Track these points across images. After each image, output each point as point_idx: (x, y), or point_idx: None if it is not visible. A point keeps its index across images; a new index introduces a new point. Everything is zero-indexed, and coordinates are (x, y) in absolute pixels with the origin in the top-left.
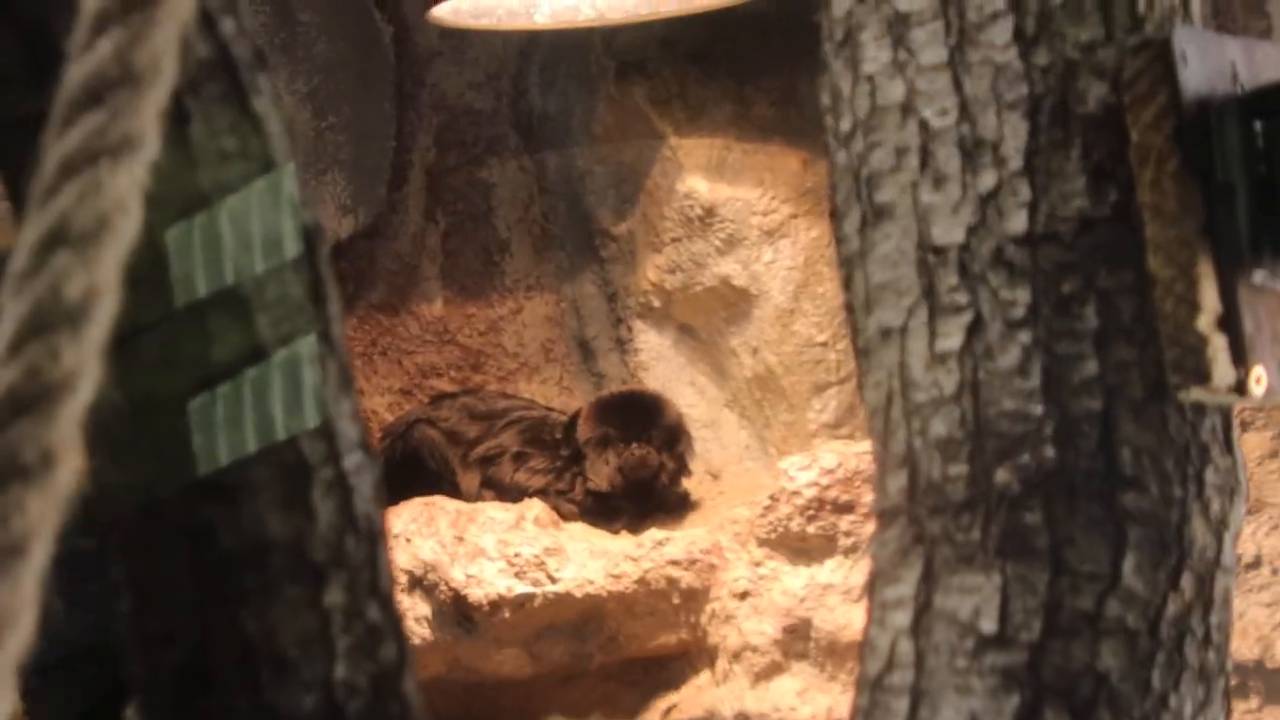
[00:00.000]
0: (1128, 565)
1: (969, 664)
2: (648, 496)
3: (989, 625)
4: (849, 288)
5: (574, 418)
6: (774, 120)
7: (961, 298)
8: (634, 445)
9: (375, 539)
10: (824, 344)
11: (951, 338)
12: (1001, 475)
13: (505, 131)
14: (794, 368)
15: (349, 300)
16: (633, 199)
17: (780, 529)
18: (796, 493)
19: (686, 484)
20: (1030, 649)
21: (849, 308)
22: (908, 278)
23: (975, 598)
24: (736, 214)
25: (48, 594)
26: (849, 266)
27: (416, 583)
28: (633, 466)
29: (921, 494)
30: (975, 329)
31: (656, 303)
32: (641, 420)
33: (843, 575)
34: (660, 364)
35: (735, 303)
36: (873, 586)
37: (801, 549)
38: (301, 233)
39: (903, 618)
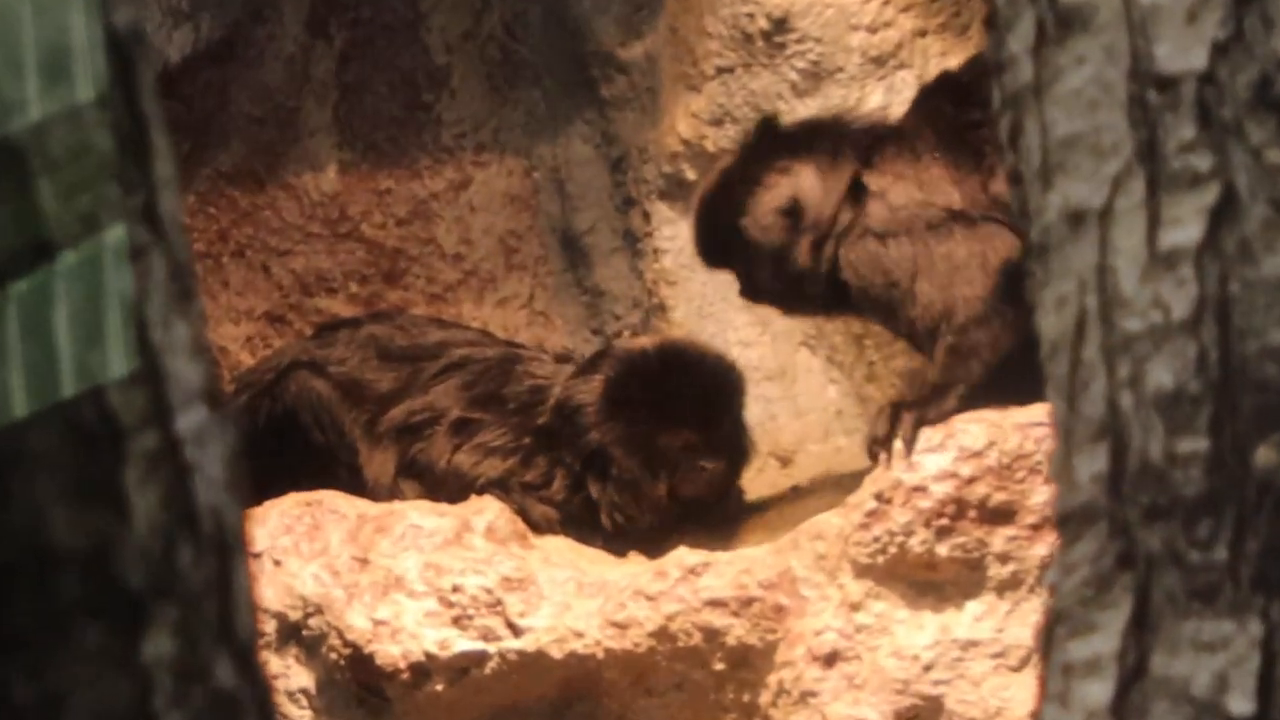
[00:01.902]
0: None
1: None
2: (698, 514)
3: (1242, 705)
4: (1014, 144)
5: (572, 400)
6: None
7: (1202, 161)
8: (703, 461)
9: (229, 551)
10: None
11: (1185, 226)
12: (1265, 455)
13: None
14: None
15: (184, 165)
16: (654, 4)
17: (893, 549)
18: (920, 489)
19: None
20: None
21: (1013, 177)
22: (1114, 128)
23: (1219, 658)
24: (825, 29)
25: None
26: (1015, 110)
27: (291, 634)
28: (699, 490)
29: (1132, 485)
30: (1224, 213)
31: (691, 174)
32: (699, 406)
33: (995, 626)
34: (696, 276)
35: None
36: (1049, 639)
37: (928, 582)
38: (112, 45)
39: (1100, 691)
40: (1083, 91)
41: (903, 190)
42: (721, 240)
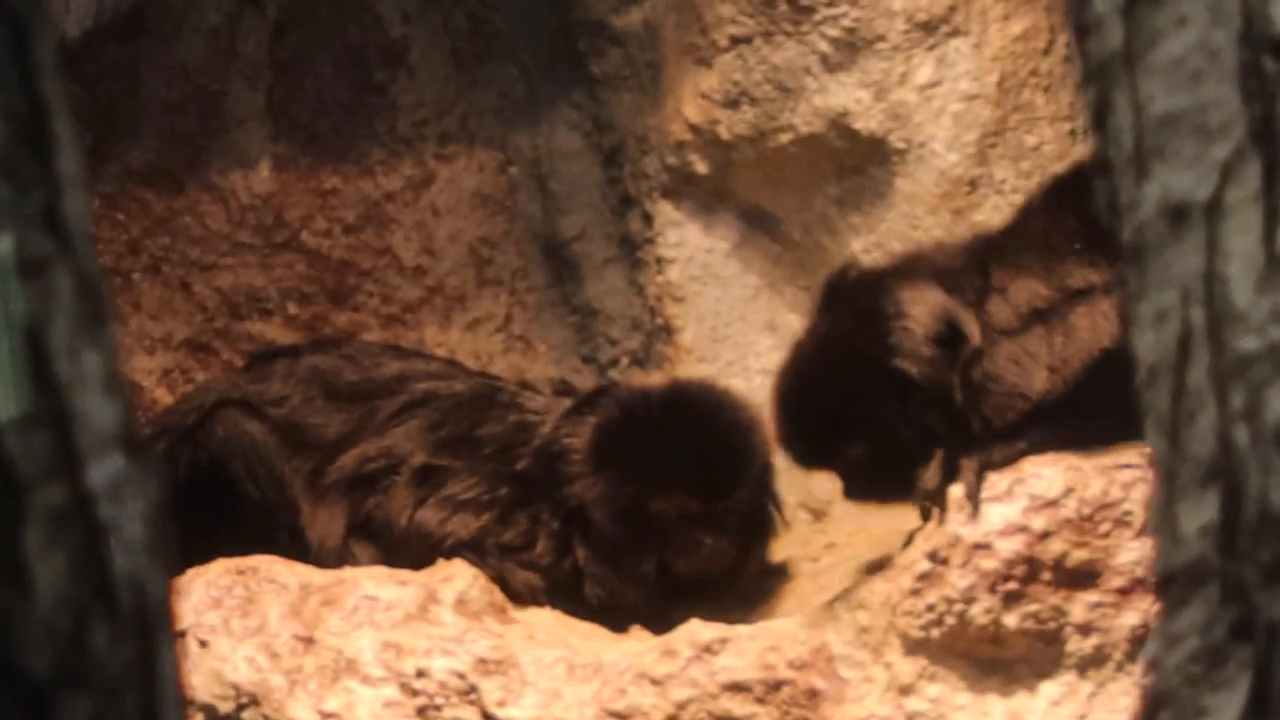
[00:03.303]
0: None
1: None
2: (696, 592)
3: None
4: (1101, 124)
5: (557, 444)
6: None
7: None
8: (702, 535)
9: (152, 630)
10: None
11: None
12: None
13: None
14: None
15: (86, 162)
16: None
17: (950, 620)
18: (983, 546)
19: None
20: None
21: (1101, 166)
22: (1223, 104)
23: None
24: None
25: None
26: (1103, 82)
27: None
28: (697, 567)
29: (1250, 539)
30: None
31: (701, 167)
32: (706, 467)
33: (1075, 712)
34: (708, 288)
35: (860, 166)
36: None
37: (994, 660)
38: (2, 14)
39: None
40: (1185, 60)
41: (1025, 286)
42: (826, 432)
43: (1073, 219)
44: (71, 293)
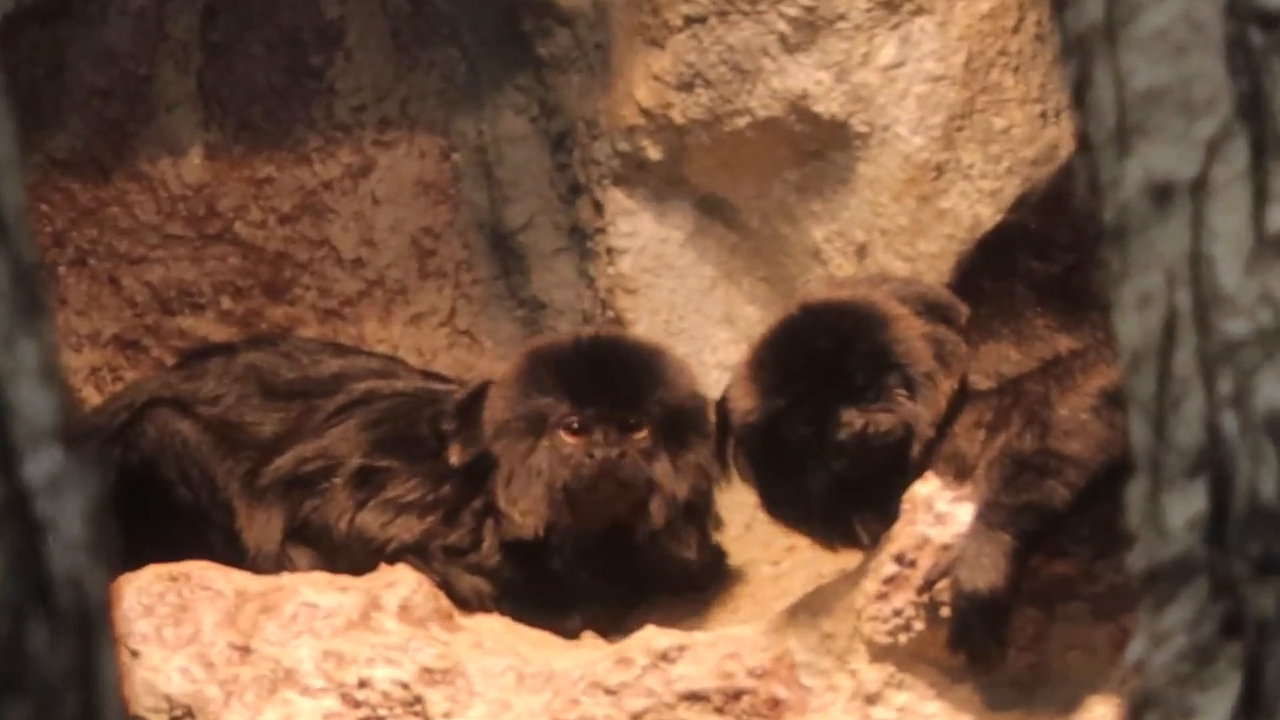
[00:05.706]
0: None
1: None
2: (625, 556)
3: None
4: (1081, 100)
5: (479, 390)
6: None
7: None
8: (594, 433)
9: (92, 631)
10: None
11: None
12: None
13: None
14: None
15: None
16: None
17: (918, 625)
18: (951, 548)
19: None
20: None
21: (1081, 141)
22: (1208, 78)
23: None
24: None
25: None
26: (1082, 56)
27: None
28: (586, 480)
29: (1239, 532)
30: None
31: (654, 152)
32: (613, 389)
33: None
34: (662, 280)
35: (821, 151)
36: None
37: (965, 667)
38: None
39: None
40: (1168, 32)
41: (994, 350)
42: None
43: (1020, 283)
44: (7, 281)
